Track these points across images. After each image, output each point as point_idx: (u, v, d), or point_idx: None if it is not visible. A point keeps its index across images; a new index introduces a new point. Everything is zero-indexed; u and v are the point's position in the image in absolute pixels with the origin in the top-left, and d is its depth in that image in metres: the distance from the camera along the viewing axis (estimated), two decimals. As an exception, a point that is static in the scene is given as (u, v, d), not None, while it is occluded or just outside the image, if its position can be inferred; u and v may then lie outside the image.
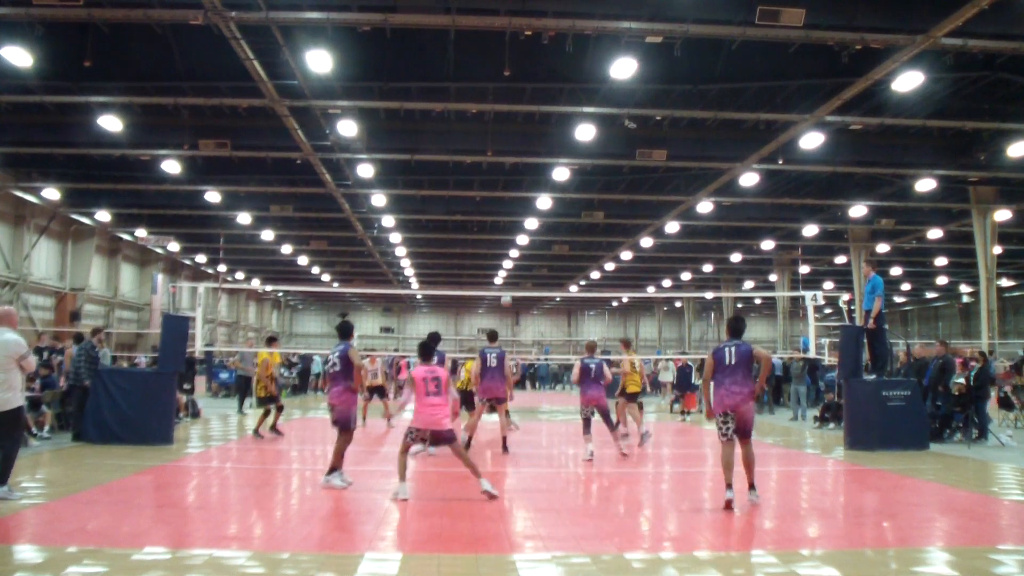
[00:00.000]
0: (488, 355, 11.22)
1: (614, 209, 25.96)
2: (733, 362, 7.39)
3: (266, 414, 13.55)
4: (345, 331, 8.67)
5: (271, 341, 14.95)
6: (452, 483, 8.80)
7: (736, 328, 7.72)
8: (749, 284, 45.69)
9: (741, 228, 29.31)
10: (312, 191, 23.83)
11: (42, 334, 16.61)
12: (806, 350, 17.56)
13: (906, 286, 46.77)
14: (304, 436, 13.82)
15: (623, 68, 13.63)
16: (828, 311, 46.91)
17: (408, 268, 40.87)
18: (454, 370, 16.32)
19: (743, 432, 7.43)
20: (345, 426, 8.22)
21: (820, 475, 10.08)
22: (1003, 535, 6.60)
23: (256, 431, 13.07)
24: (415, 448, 9.07)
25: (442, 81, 15.30)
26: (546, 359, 39.37)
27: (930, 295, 51.67)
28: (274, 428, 13.55)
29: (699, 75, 14.67)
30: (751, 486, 7.49)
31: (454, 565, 5.32)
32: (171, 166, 20.38)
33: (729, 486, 7.31)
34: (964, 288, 44.90)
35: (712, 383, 7.64)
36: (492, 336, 11.79)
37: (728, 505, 7.21)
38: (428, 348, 8.30)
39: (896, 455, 11.33)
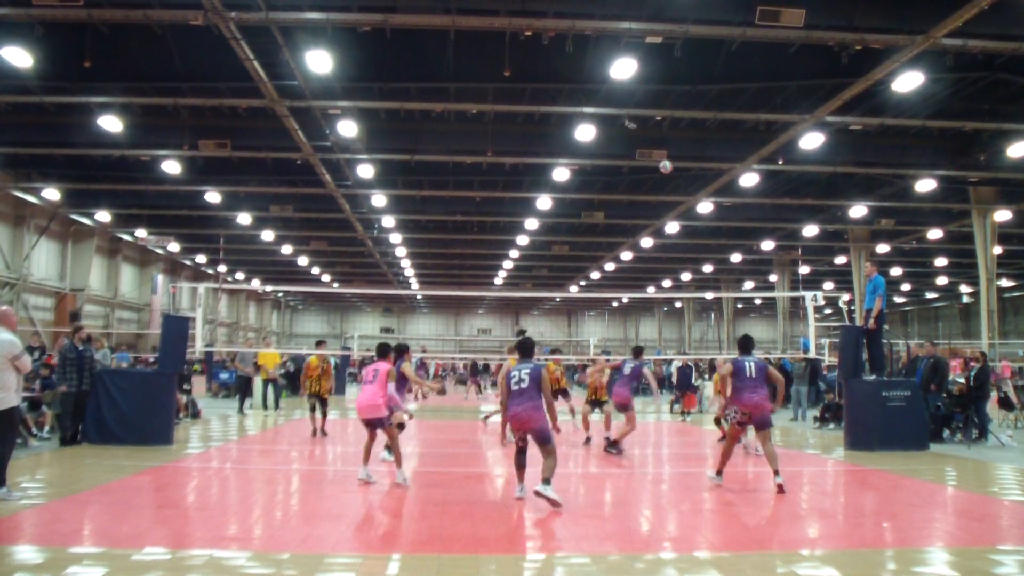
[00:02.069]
0: (626, 366, 11.87)
1: (614, 209, 25.97)
2: (754, 375, 8.58)
3: (313, 410, 13.59)
4: (528, 349, 8.09)
5: (319, 344, 15.63)
6: (452, 484, 8.80)
7: (747, 346, 9.04)
8: (749, 284, 45.71)
9: (741, 228, 29.32)
10: (312, 191, 23.84)
11: (34, 334, 16.41)
12: (806, 351, 17.55)
13: (906, 286, 46.79)
14: (305, 436, 13.78)
15: (623, 68, 13.63)
16: (828, 311, 46.92)
17: (408, 268, 40.89)
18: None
19: (762, 423, 8.55)
20: (548, 439, 7.62)
21: (820, 475, 10.07)
22: (1003, 535, 6.60)
23: (320, 430, 13.37)
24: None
25: (442, 81, 15.31)
26: (545, 359, 39.39)
27: (930, 295, 51.69)
28: (321, 429, 13.47)
29: (699, 75, 14.68)
30: (776, 472, 8.41)
31: (454, 565, 5.32)
32: (171, 166, 20.39)
33: (720, 472, 8.66)
34: (964, 288, 44.91)
35: (732, 390, 8.70)
36: (637, 352, 12.24)
37: (715, 487, 8.51)
38: (384, 349, 9.19)
39: (896, 455, 11.32)
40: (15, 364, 7.26)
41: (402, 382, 10.39)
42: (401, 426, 9.99)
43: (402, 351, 10.48)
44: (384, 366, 8.81)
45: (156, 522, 6.63)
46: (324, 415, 13.60)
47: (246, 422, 16.25)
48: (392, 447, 8.79)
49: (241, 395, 18.71)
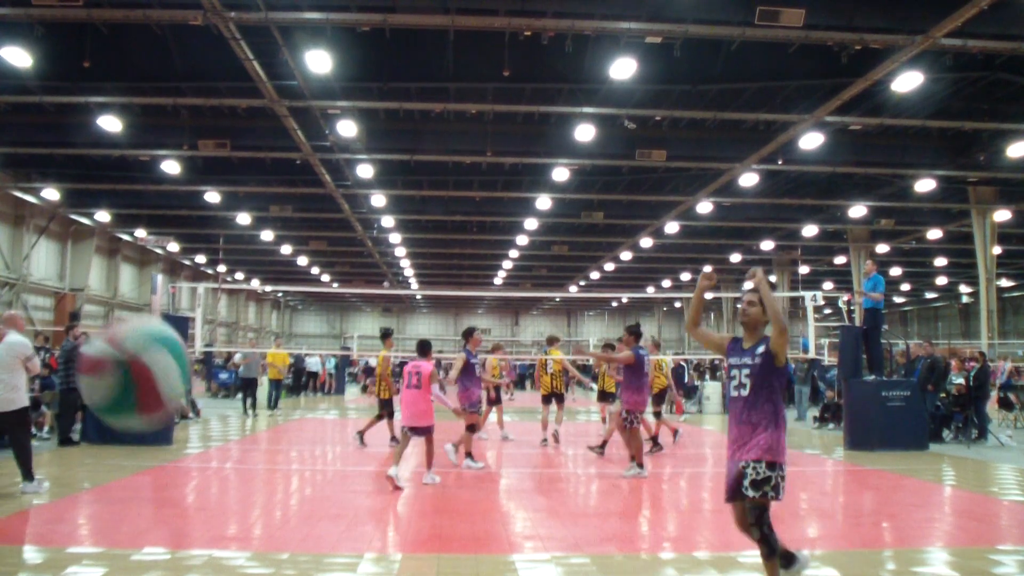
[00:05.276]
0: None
1: (614, 209, 25.96)
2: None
3: (379, 418, 12.05)
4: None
5: (387, 337, 12.48)
6: (452, 484, 8.80)
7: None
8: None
9: (741, 228, 29.32)
10: (311, 191, 23.82)
11: (38, 334, 16.44)
12: (806, 351, 17.57)
13: (906, 286, 46.79)
14: (305, 437, 13.80)
15: (622, 68, 13.63)
16: (828, 311, 46.91)
17: (408, 268, 40.88)
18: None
19: None
20: None
21: (820, 475, 10.08)
22: (1003, 535, 6.60)
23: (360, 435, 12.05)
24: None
25: (441, 81, 15.30)
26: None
27: (930, 295, 51.66)
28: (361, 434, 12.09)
29: (699, 75, 14.67)
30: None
31: (454, 565, 5.32)
32: (170, 166, 20.38)
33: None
34: (964, 288, 44.91)
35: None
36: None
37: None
38: (424, 346, 8.83)
39: (896, 455, 11.34)
40: (27, 365, 7.43)
41: (469, 377, 9.92)
42: (472, 427, 9.84)
43: (468, 335, 10.14)
44: (426, 367, 8.27)
45: (156, 522, 6.63)
46: (379, 417, 12.04)
47: (247, 422, 16.26)
48: (460, 448, 9.33)
49: (244, 395, 18.73)
